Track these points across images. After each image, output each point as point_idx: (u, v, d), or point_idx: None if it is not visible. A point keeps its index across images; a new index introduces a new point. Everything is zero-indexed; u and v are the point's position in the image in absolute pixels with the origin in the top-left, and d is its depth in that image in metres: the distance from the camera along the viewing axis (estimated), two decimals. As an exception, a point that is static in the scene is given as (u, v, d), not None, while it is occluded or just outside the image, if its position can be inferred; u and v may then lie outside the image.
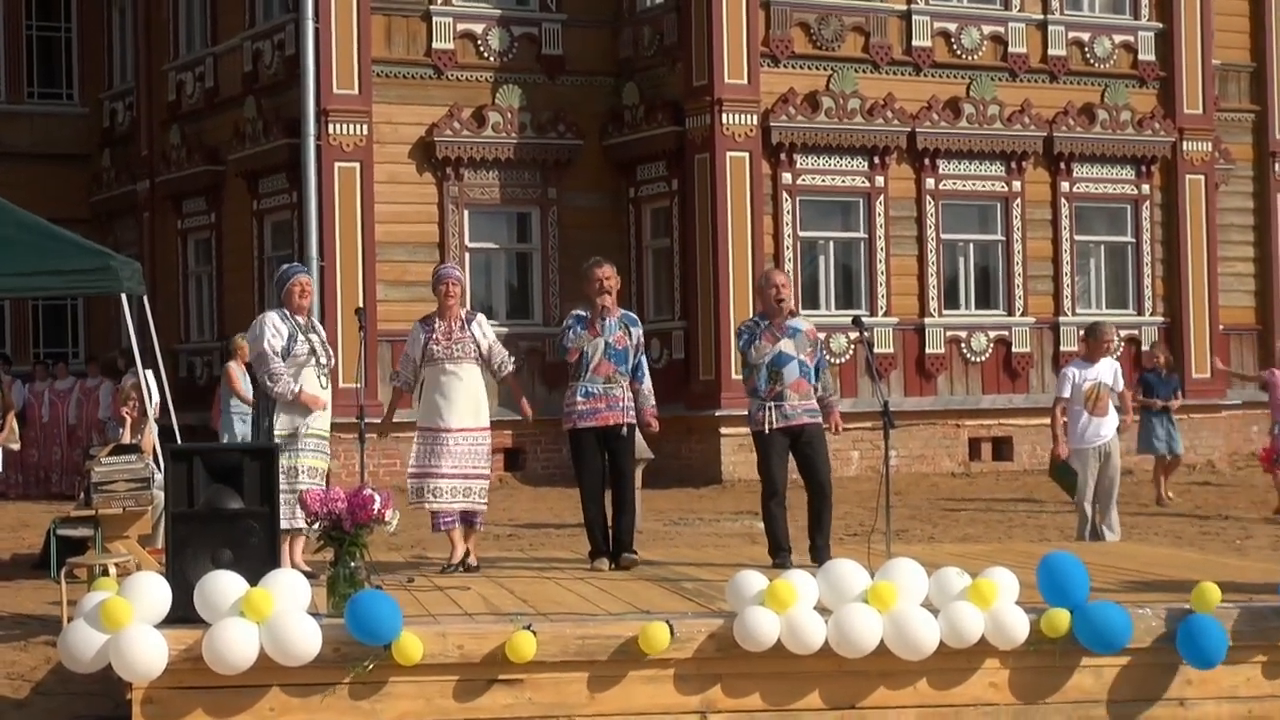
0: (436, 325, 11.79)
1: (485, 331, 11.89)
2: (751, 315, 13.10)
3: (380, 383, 22.09)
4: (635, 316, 12.17)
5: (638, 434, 12.30)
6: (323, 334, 11.75)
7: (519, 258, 25.27)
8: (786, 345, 11.72)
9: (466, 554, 11.68)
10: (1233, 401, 26.93)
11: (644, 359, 12.02)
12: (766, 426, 11.67)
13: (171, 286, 27.42)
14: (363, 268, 23.43)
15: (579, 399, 11.79)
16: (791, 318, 11.85)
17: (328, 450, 11.54)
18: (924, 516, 19.24)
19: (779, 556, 11.53)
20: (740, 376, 12.95)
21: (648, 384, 11.98)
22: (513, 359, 12.12)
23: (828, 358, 12.02)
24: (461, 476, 11.63)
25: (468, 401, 11.70)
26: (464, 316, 11.89)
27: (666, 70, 24.58)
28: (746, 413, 12.05)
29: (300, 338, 11.37)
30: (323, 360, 11.45)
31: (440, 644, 8.52)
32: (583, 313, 11.91)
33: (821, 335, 12.18)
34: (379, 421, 12.43)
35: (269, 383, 11.28)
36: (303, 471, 11.12)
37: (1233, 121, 28.11)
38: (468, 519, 11.75)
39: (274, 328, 11.35)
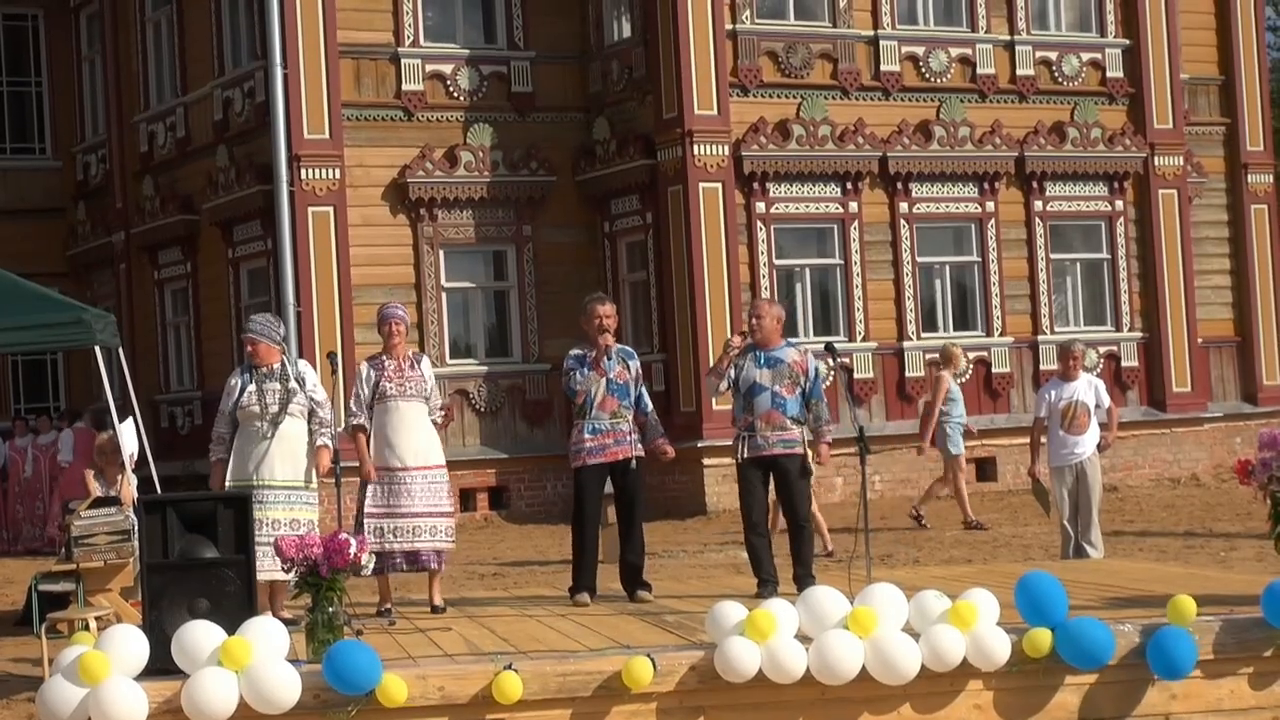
0: (386, 364, 11.77)
1: (429, 374, 11.90)
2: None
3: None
4: (631, 350, 12.21)
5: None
6: (293, 379, 11.46)
7: (496, 296, 25.24)
8: (763, 376, 11.70)
9: (431, 601, 11.61)
10: (1215, 414, 26.96)
11: (644, 390, 12.09)
12: (740, 455, 11.73)
13: (150, 337, 27.37)
14: (340, 311, 23.36)
15: (586, 436, 11.81)
16: (779, 346, 11.84)
17: (308, 500, 11.40)
18: (908, 540, 19.24)
19: (763, 587, 11.54)
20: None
21: (653, 413, 12.04)
22: (442, 410, 12.12)
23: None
24: (428, 515, 11.58)
25: (423, 439, 11.66)
26: (412, 356, 11.89)
27: (636, 104, 24.60)
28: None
29: (251, 389, 11.29)
30: (273, 409, 11.30)
31: (421, 686, 8.49)
32: (580, 351, 11.92)
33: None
34: (357, 466, 12.26)
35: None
36: (266, 524, 10.99)
37: (1204, 135, 28.15)
38: (425, 562, 11.67)
39: (229, 386, 11.43)
